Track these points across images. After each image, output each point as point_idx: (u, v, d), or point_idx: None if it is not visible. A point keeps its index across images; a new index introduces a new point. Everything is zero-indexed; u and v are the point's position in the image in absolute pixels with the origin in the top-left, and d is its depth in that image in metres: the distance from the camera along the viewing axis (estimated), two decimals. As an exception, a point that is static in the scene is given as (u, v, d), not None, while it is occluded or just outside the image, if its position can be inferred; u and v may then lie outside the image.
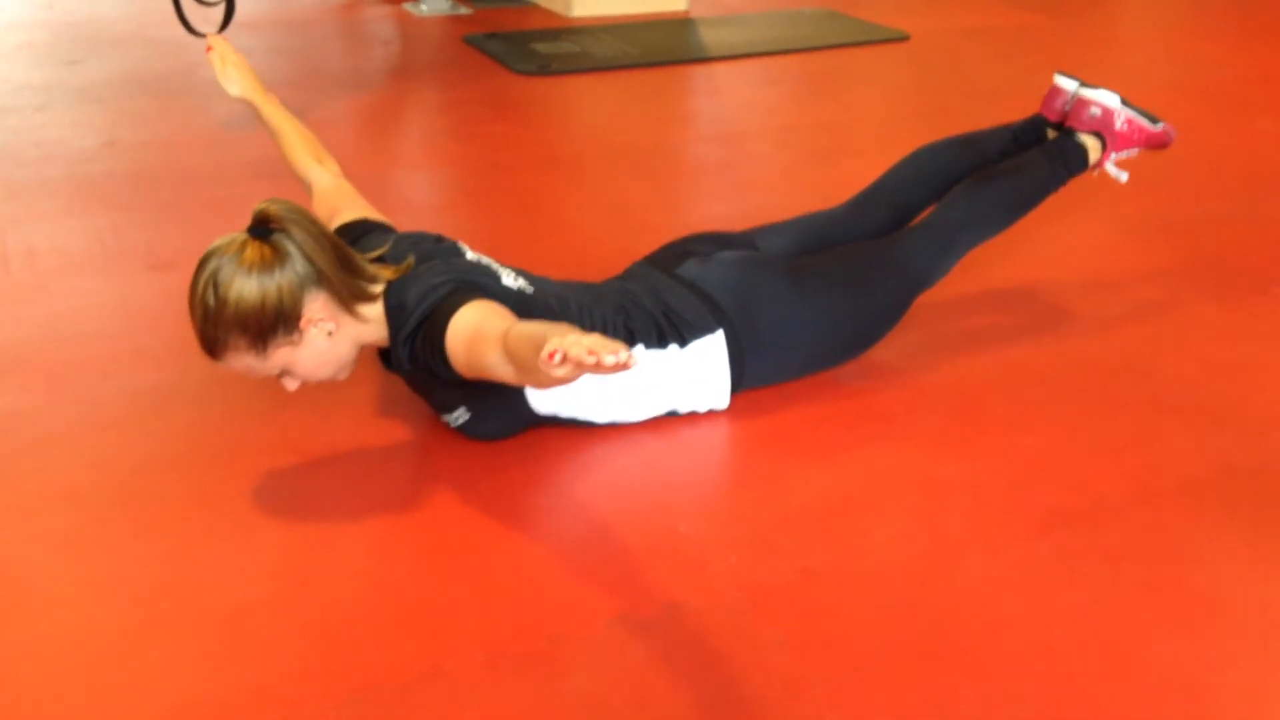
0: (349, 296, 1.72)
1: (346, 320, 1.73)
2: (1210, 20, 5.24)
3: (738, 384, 1.99)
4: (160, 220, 2.85)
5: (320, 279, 1.68)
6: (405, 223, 2.90)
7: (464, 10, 5.34)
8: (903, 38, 4.80)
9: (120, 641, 1.49)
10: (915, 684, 1.43)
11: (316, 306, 1.68)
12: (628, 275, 2.08)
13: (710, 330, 1.93)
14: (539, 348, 1.30)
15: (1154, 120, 2.38)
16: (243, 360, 1.69)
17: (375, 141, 3.55)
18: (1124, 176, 2.41)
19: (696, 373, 1.94)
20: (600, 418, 1.92)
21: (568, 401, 1.87)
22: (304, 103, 3.86)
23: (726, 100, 4.04)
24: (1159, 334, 2.32)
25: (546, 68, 4.28)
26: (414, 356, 1.73)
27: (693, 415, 1.99)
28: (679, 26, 5.05)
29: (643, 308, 1.92)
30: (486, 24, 5.07)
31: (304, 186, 2.13)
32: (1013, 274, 2.57)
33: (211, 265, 1.65)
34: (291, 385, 1.77)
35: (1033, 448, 1.93)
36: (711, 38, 4.84)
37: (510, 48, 4.57)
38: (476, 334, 1.58)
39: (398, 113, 3.88)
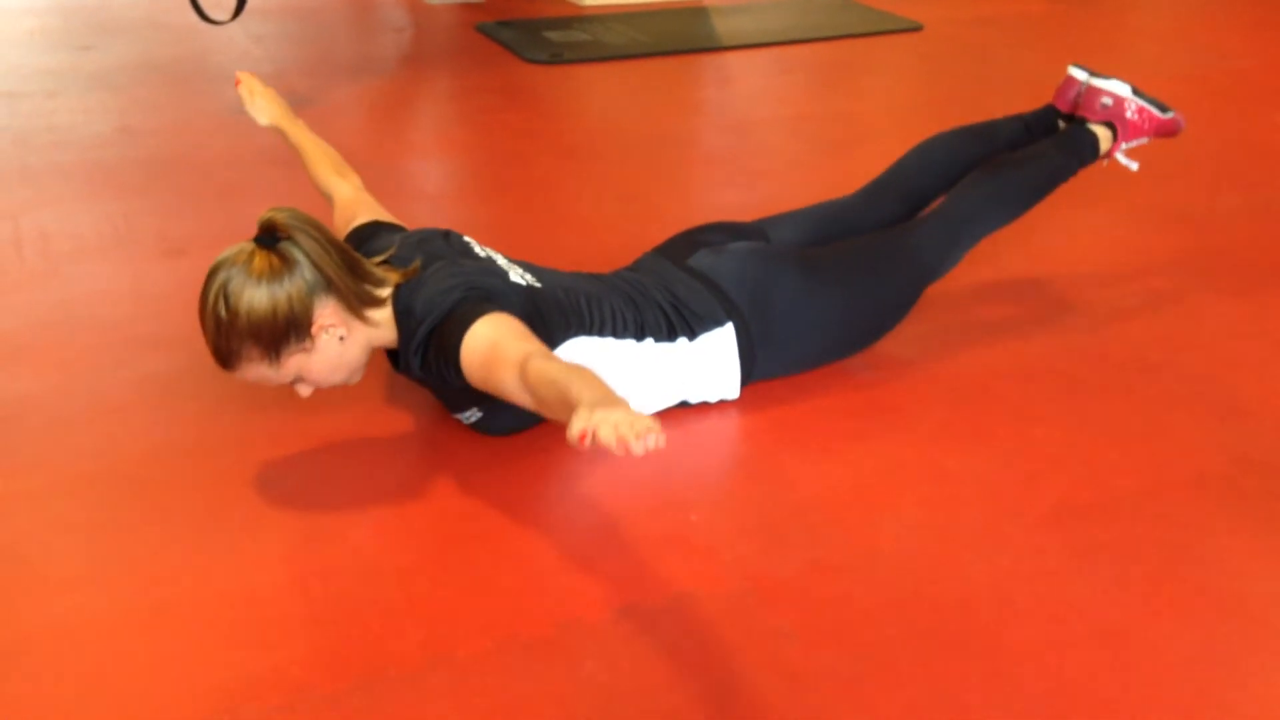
0: (358, 302, 1.73)
1: (357, 325, 1.74)
2: (1225, 9, 5.20)
3: (748, 376, 1.99)
4: (172, 206, 2.86)
5: (329, 285, 1.68)
6: (416, 211, 2.91)
7: (476, -3, 5.33)
8: (916, 27, 4.78)
9: (130, 626, 1.50)
10: (923, 675, 1.43)
11: (327, 312, 1.69)
12: (637, 266, 2.07)
13: (720, 323, 1.93)
14: (563, 395, 1.35)
15: (1164, 109, 2.40)
16: (256, 370, 1.70)
17: (386, 129, 3.55)
18: (1134, 165, 2.43)
19: (706, 366, 1.94)
20: (614, 411, 1.91)
21: None
22: (315, 89, 3.86)
23: (738, 89, 4.03)
24: (1171, 326, 2.31)
25: (558, 56, 4.27)
26: (425, 364, 1.74)
27: (703, 406, 1.99)
28: (691, 15, 5.04)
29: (652, 300, 1.92)
30: (498, 12, 5.06)
31: (326, 199, 2.12)
32: (1024, 264, 2.56)
33: (221, 277, 1.65)
34: (305, 391, 1.79)
35: (1042, 439, 1.93)
36: (724, 26, 4.82)
37: (522, 36, 4.57)
38: (493, 353, 1.59)
39: (409, 100, 3.87)
